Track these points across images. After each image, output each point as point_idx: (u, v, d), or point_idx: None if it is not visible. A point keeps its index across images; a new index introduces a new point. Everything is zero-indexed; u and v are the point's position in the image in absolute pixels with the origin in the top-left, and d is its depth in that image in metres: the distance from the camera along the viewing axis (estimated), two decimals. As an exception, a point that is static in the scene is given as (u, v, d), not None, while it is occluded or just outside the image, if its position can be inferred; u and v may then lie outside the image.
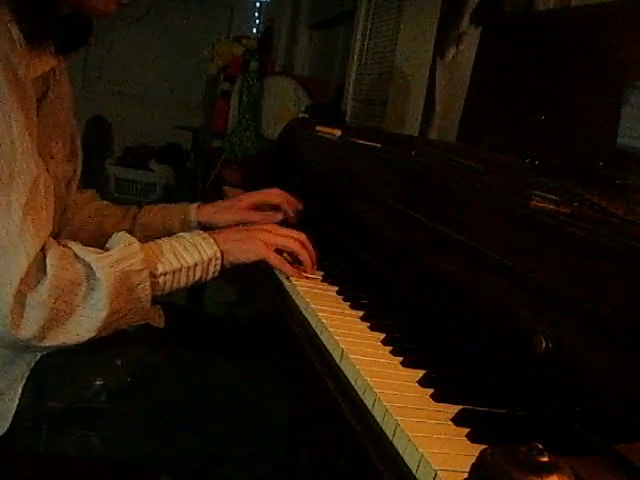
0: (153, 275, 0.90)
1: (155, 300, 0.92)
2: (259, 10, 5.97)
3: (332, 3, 3.96)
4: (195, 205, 1.24)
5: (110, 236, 1.24)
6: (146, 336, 1.00)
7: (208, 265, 0.96)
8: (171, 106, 5.84)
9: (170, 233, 1.25)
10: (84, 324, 0.83)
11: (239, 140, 3.91)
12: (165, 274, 0.92)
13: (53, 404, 0.89)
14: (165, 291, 0.93)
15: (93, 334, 0.84)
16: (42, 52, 0.89)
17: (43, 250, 0.80)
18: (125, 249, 0.88)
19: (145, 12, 4.77)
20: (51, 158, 0.95)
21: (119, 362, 0.93)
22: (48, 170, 0.94)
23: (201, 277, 0.96)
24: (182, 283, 0.94)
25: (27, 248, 0.78)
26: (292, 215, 1.28)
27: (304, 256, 1.03)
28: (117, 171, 5.58)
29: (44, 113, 0.93)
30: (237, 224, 1.20)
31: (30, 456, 0.92)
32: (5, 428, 0.87)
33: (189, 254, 0.94)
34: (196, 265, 0.94)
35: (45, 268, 0.80)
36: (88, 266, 0.84)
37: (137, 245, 0.90)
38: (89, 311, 0.83)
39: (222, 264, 0.97)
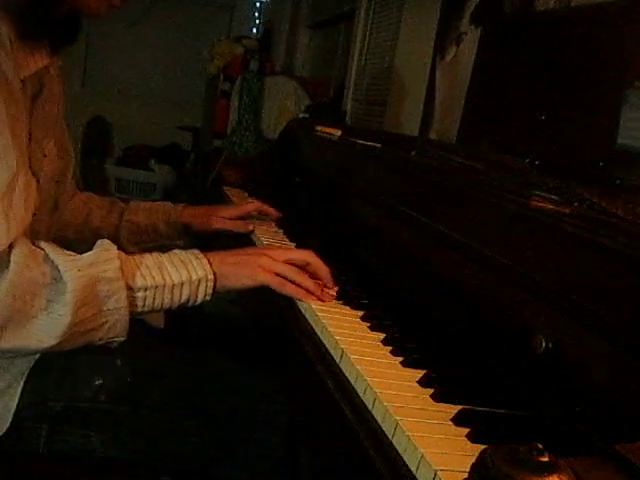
0: (130, 288, 0.84)
1: (135, 317, 0.87)
2: (259, 10, 5.97)
3: (332, 3, 3.96)
4: (180, 206, 1.27)
5: (97, 230, 1.25)
6: (146, 336, 1.00)
7: (197, 286, 0.89)
8: (171, 106, 5.83)
9: (156, 232, 1.28)
10: (45, 329, 0.78)
11: (239, 140, 3.91)
12: (145, 289, 0.85)
13: (53, 404, 0.89)
14: (146, 308, 0.87)
15: (55, 341, 0.79)
16: (36, 50, 0.89)
17: (11, 247, 0.77)
18: (99, 254, 0.83)
19: (145, 12, 4.77)
20: (44, 156, 0.95)
21: (119, 362, 0.93)
22: (42, 168, 0.94)
23: (189, 299, 0.89)
24: (166, 302, 0.88)
25: None
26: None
27: (306, 283, 0.95)
28: (117, 171, 5.57)
29: (38, 111, 0.92)
30: (214, 232, 1.27)
31: (30, 456, 0.92)
32: (5, 428, 0.87)
33: (176, 271, 0.88)
34: (182, 284, 0.88)
35: (8, 265, 0.76)
36: (56, 268, 0.79)
37: (114, 252, 0.84)
38: (51, 315, 0.78)
39: (214, 287, 0.91)
